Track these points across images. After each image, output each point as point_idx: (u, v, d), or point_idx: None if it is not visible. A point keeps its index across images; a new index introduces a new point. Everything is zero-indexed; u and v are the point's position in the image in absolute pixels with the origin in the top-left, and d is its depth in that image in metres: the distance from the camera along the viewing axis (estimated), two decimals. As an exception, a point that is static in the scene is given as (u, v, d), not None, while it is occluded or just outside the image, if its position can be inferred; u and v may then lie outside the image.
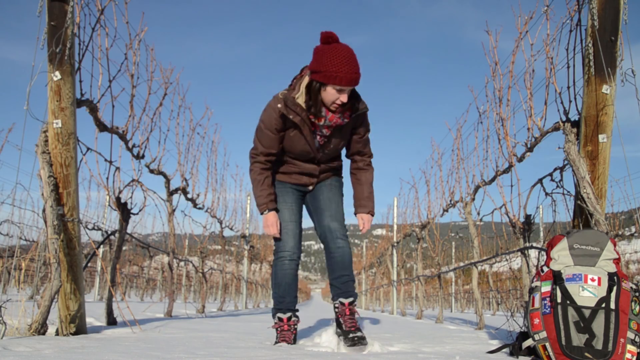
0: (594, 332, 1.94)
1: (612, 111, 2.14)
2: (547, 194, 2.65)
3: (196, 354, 1.91)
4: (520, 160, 3.18)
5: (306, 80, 2.38)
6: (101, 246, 8.50)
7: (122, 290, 12.80)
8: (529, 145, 2.95)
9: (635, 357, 1.96)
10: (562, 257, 2.13)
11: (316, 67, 2.29)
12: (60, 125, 2.43)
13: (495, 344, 2.74)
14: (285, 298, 2.53)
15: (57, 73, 2.40)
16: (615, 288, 2.00)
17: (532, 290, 2.18)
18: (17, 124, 7.54)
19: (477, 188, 4.51)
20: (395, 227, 9.92)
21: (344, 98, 2.31)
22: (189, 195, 5.57)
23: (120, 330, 2.94)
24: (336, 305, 2.50)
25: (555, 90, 2.46)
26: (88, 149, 2.90)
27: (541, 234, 8.31)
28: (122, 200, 3.37)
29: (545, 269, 2.14)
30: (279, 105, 2.38)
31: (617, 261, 2.09)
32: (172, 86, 4.53)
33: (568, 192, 2.42)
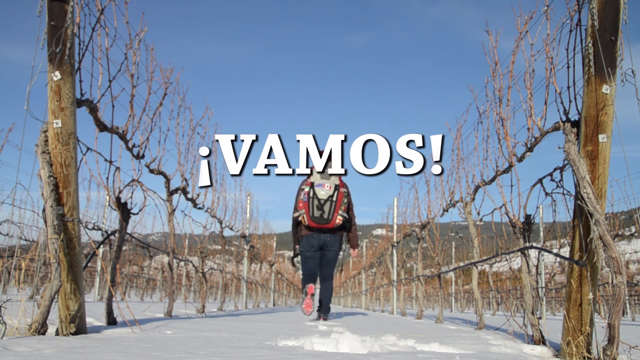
0: (324, 210, 5.12)
1: (612, 111, 2.14)
2: (547, 194, 2.64)
3: (196, 354, 1.91)
4: (520, 160, 3.18)
5: None
6: (101, 246, 8.50)
7: (122, 290, 12.79)
8: (529, 145, 2.95)
9: (341, 220, 5.19)
10: (315, 178, 5.19)
11: None
12: (60, 125, 2.43)
13: (495, 343, 2.74)
14: None
15: (57, 73, 2.39)
16: (335, 191, 5.17)
17: (302, 190, 5.23)
18: (17, 124, 7.54)
19: (477, 188, 4.51)
20: (395, 227, 9.91)
21: None
22: (189, 195, 5.57)
23: (120, 330, 2.94)
24: None
25: (555, 90, 2.45)
26: (88, 148, 2.90)
27: (541, 234, 8.31)
28: (122, 200, 3.37)
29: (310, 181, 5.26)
30: None
31: (339, 179, 5.26)
32: (172, 86, 4.51)
33: (568, 192, 2.41)
